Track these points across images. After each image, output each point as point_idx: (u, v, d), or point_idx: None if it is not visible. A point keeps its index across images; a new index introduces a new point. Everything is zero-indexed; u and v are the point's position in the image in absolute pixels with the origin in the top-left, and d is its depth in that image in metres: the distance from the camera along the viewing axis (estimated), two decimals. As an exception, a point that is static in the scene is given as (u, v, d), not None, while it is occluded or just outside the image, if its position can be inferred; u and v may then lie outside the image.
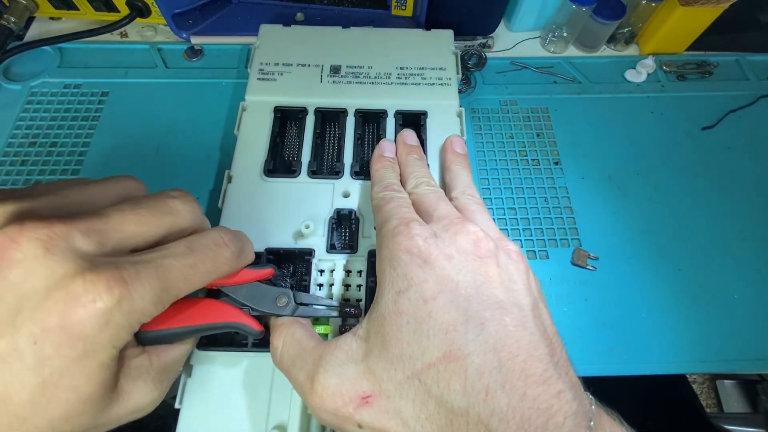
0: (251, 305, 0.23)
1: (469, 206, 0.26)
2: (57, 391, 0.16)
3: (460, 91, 0.41)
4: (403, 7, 0.43)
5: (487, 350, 0.18)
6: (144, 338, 0.21)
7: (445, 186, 0.30)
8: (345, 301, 0.27)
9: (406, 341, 0.19)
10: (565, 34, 0.44)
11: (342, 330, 0.26)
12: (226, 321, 0.22)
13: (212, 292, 0.23)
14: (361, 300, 0.28)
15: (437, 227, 0.23)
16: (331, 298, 0.27)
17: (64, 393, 0.16)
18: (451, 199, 0.27)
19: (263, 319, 0.24)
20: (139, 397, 0.19)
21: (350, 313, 0.25)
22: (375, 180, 0.28)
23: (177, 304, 0.20)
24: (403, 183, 0.28)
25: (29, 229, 0.16)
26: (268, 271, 0.24)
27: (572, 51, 0.46)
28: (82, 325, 0.16)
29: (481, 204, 0.27)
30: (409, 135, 0.32)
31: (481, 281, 0.20)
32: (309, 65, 0.37)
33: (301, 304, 0.24)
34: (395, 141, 0.32)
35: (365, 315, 0.22)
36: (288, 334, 0.23)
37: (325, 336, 0.26)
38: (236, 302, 0.23)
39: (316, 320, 0.26)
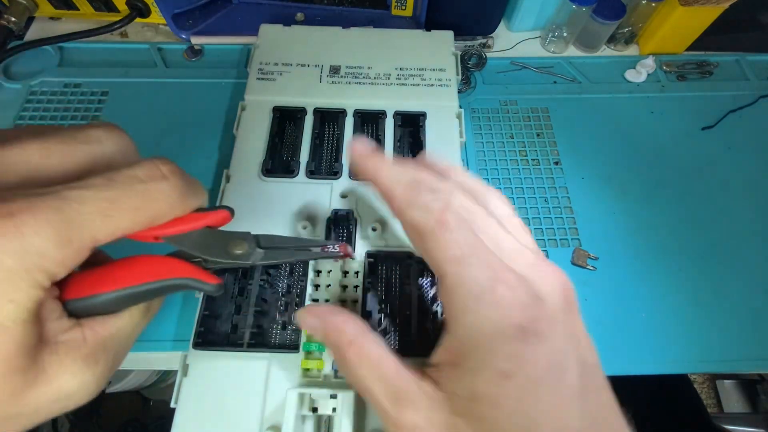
0: (204, 256, 0.18)
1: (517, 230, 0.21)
2: None
3: (460, 91, 0.41)
4: (403, 7, 0.43)
5: (588, 425, 0.17)
6: (74, 309, 0.16)
7: None
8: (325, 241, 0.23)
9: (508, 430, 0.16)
10: (565, 34, 0.44)
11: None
12: (173, 277, 0.18)
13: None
14: (357, 301, 0.27)
15: (524, 272, 0.18)
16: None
17: None
18: None
19: (221, 273, 0.20)
20: (65, 379, 0.15)
21: (335, 253, 0.21)
22: (390, 181, 0.20)
23: (113, 265, 0.17)
24: None
25: None
26: (221, 212, 0.19)
27: (572, 51, 0.46)
28: None
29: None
30: (358, 144, 0.22)
31: (575, 344, 0.18)
32: (308, 65, 0.37)
33: (267, 248, 0.20)
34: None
35: (447, 376, 0.18)
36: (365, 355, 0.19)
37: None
38: (184, 255, 0.18)
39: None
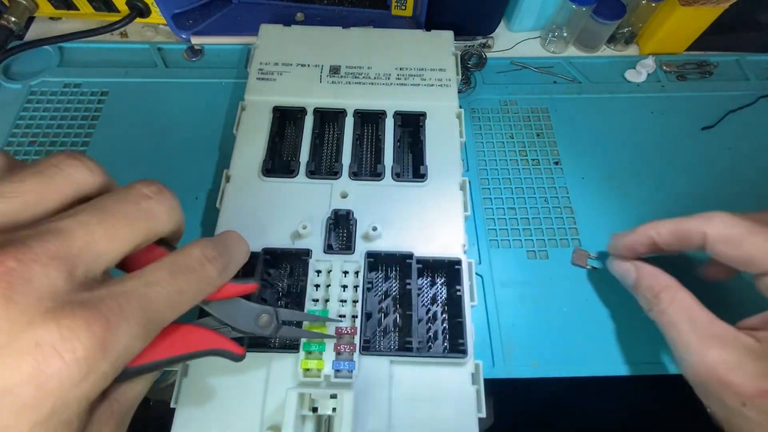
0: (232, 325, 0.21)
1: None
2: None
3: (460, 91, 0.40)
4: (403, 7, 0.43)
5: None
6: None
7: None
8: (340, 317, 0.26)
9: None
10: (565, 34, 0.44)
11: (338, 349, 0.26)
12: (207, 348, 0.20)
13: None
14: (357, 301, 0.27)
15: None
16: (320, 313, 0.26)
17: None
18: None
19: (244, 340, 0.22)
20: None
21: (344, 331, 0.24)
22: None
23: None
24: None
25: None
26: (251, 285, 0.21)
27: (572, 51, 0.46)
28: (57, 380, 0.13)
29: None
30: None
31: None
32: (308, 65, 0.37)
33: (284, 323, 0.22)
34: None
35: None
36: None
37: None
38: (215, 321, 0.21)
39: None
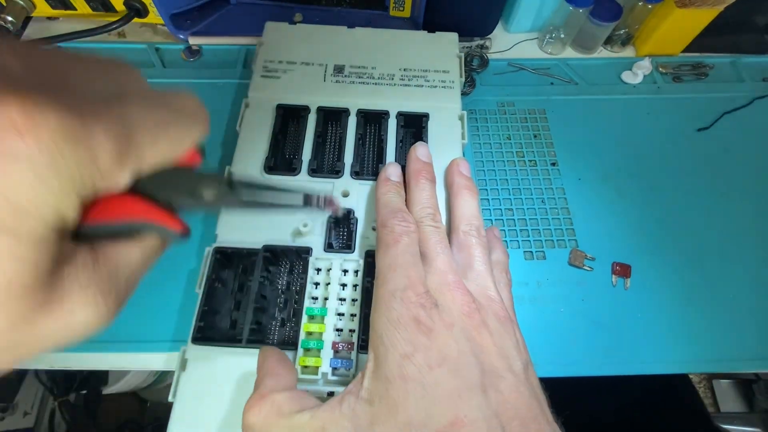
0: (169, 197, 0.16)
1: (471, 249, 0.26)
2: None
3: (464, 93, 0.41)
4: (402, 8, 0.43)
5: (490, 416, 0.19)
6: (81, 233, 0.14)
7: (449, 210, 0.29)
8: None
9: (413, 408, 0.19)
10: (562, 36, 0.44)
11: (336, 348, 0.26)
12: (139, 219, 0.15)
13: None
14: (356, 300, 0.28)
15: (434, 287, 0.23)
16: (319, 311, 0.26)
17: None
18: (453, 231, 0.27)
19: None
20: (79, 308, 0.13)
21: (319, 208, 0.18)
22: (382, 204, 0.28)
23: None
24: (408, 204, 0.28)
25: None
26: (192, 155, 0.17)
27: (569, 52, 0.46)
28: (17, 171, 0.10)
29: (483, 243, 0.27)
30: (422, 150, 0.31)
31: (478, 350, 0.22)
32: (313, 64, 0.37)
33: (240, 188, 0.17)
34: (408, 153, 0.31)
35: (365, 374, 0.21)
36: (268, 406, 0.21)
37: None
38: (147, 195, 0.15)
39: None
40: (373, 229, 0.29)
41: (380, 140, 0.34)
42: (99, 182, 0.13)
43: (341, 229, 0.31)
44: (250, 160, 0.32)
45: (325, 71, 0.36)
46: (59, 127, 0.11)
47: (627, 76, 0.44)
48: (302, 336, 0.26)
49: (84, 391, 0.71)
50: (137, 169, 0.14)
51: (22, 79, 0.12)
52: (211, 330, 0.27)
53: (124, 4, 0.42)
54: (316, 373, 0.25)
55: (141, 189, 0.15)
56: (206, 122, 0.17)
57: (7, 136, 0.10)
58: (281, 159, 0.34)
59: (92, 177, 0.12)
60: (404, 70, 0.37)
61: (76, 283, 0.13)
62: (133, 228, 0.15)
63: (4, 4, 0.40)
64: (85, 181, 0.12)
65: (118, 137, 0.13)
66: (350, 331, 0.27)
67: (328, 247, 0.29)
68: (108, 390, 0.70)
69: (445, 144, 0.34)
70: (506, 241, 0.35)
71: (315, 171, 0.32)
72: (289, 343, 0.27)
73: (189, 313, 0.27)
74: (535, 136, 0.40)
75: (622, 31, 0.45)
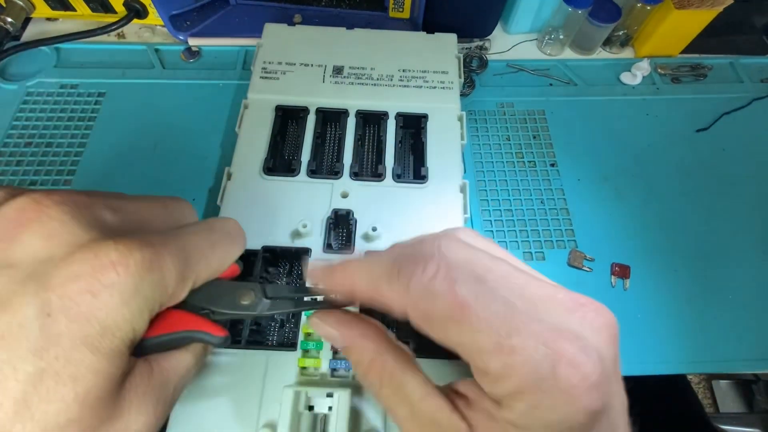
0: (210, 307, 0.18)
1: None
2: (54, 386, 0.12)
3: (464, 94, 0.41)
4: (401, 9, 0.43)
5: None
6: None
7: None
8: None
9: None
10: (561, 37, 0.44)
11: (335, 348, 0.26)
12: (186, 329, 0.17)
13: None
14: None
15: (572, 325, 0.17)
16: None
17: (62, 388, 0.12)
18: None
19: (229, 322, 0.20)
20: (134, 418, 0.15)
21: (339, 301, 0.20)
22: (367, 270, 0.18)
23: None
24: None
25: (57, 194, 0.14)
26: (232, 267, 0.20)
27: (568, 53, 0.46)
28: (109, 296, 0.13)
29: None
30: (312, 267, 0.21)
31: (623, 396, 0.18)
32: (312, 65, 0.37)
33: (273, 298, 0.19)
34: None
35: None
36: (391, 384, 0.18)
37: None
38: (192, 307, 0.18)
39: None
40: (373, 229, 0.29)
41: (379, 141, 0.34)
42: (165, 300, 0.16)
43: (340, 230, 0.31)
44: (249, 161, 0.32)
45: (324, 72, 0.36)
46: (141, 259, 0.14)
47: (626, 77, 0.44)
48: (301, 337, 0.26)
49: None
50: (193, 286, 0.17)
51: (113, 226, 0.15)
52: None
53: (124, 5, 0.42)
54: (316, 374, 0.25)
55: (190, 300, 0.18)
56: (245, 241, 0.20)
57: (106, 271, 0.13)
58: (280, 160, 0.34)
59: (162, 296, 0.15)
60: (403, 71, 0.37)
61: (135, 396, 0.15)
62: (183, 338, 0.18)
63: (4, 5, 0.40)
64: (156, 300, 0.15)
65: (181, 261, 0.16)
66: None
67: (328, 248, 0.29)
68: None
69: (444, 145, 0.34)
70: (506, 241, 0.35)
71: (314, 172, 0.32)
72: (288, 345, 0.26)
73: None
74: (534, 137, 0.40)
75: (621, 32, 0.45)
